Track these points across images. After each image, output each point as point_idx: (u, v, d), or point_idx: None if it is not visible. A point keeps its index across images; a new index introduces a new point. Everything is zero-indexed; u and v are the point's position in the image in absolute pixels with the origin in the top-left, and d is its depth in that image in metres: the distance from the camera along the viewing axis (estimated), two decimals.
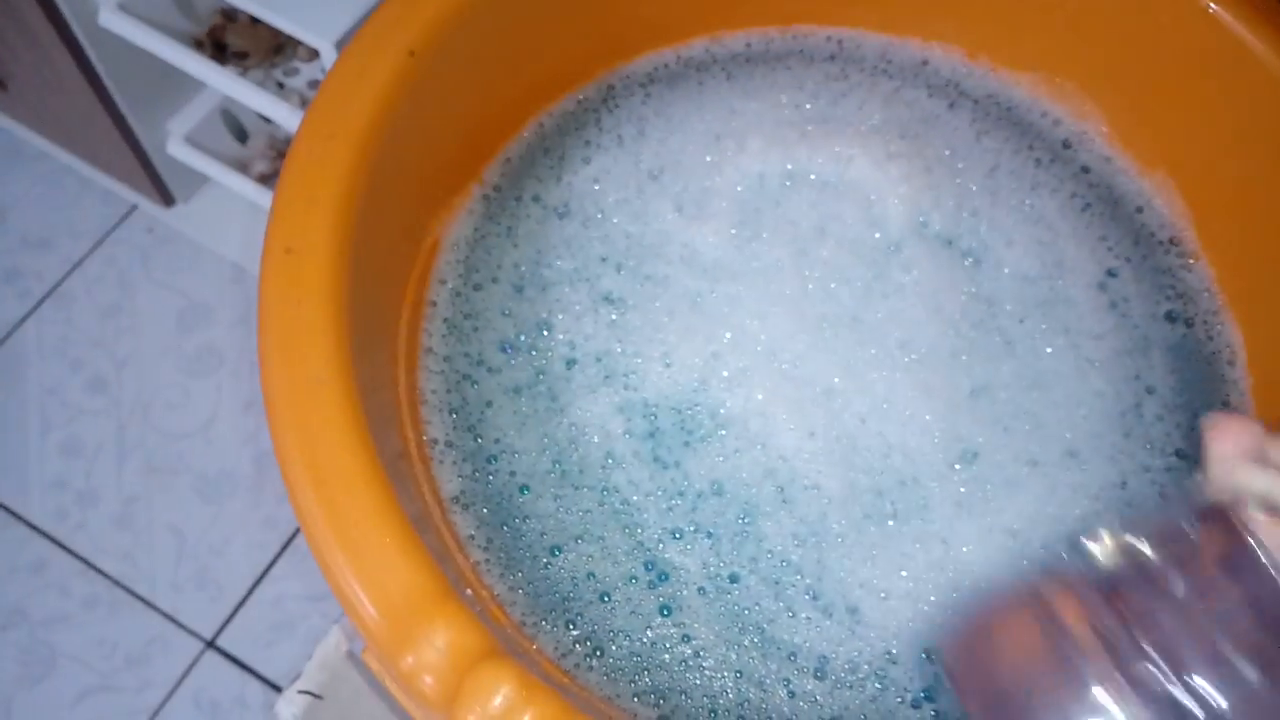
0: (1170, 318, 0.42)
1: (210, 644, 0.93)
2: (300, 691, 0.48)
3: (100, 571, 0.95)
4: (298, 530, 0.98)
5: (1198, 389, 0.41)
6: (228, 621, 0.94)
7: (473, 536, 0.37)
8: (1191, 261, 0.43)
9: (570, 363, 0.40)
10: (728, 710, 0.35)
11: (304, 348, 0.31)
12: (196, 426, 1.00)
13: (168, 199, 1.03)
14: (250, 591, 0.96)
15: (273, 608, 0.95)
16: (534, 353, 0.41)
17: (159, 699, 0.91)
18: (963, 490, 0.38)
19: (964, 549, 0.37)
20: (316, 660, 0.48)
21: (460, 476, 0.38)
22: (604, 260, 0.42)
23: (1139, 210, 0.44)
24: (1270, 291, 0.41)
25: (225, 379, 1.02)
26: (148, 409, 1.01)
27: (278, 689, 0.92)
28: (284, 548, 0.97)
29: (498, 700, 0.27)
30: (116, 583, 0.95)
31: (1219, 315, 0.42)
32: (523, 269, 0.42)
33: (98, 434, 1.00)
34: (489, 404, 0.39)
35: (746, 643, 0.36)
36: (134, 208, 1.08)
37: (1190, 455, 0.39)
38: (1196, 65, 0.41)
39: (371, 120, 0.35)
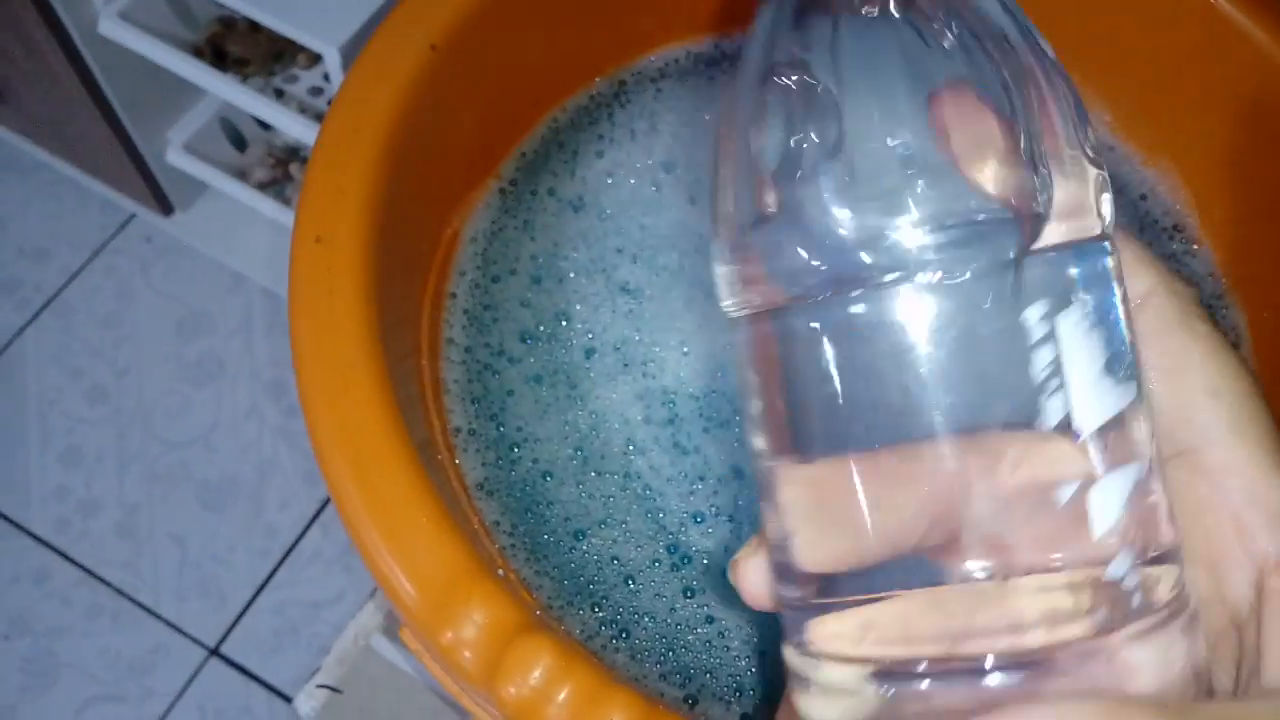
0: None
1: (214, 652, 0.93)
2: (319, 685, 0.48)
3: (103, 581, 0.95)
4: (300, 537, 0.98)
5: None
6: (231, 629, 0.94)
7: (498, 523, 0.38)
8: (1195, 248, 0.44)
9: (589, 352, 0.41)
10: (753, 689, 0.35)
11: (336, 332, 0.32)
12: (197, 434, 1.01)
13: (166, 208, 1.03)
14: (253, 599, 0.96)
15: (276, 615, 0.95)
16: (553, 342, 0.41)
17: (163, 708, 0.91)
18: None
19: None
20: (335, 654, 0.49)
21: (484, 464, 0.39)
22: (620, 251, 0.43)
23: (1143, 198, 0.45)
24: (1272, 277, 0.42)
25: (225, 387, 1.02)
26: (148, 418, 1.01)
27: (282, 696, 0.92)
28: (286, 554, 0.97)
29: (537, 673, 0.28)
30: (119, 592, 0.95)
31: (1223, 300, 0.43)
32: (540, 261, 0.43)
33: (98, 443, 1.00)
34: (510, 393, 0.40)
35: (769, 622, 0.36)
36: (132, 216, 1.09)
37: None
38: (1198, 55, 0.42)
39: (395, 113, 0.36)
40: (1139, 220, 0.44)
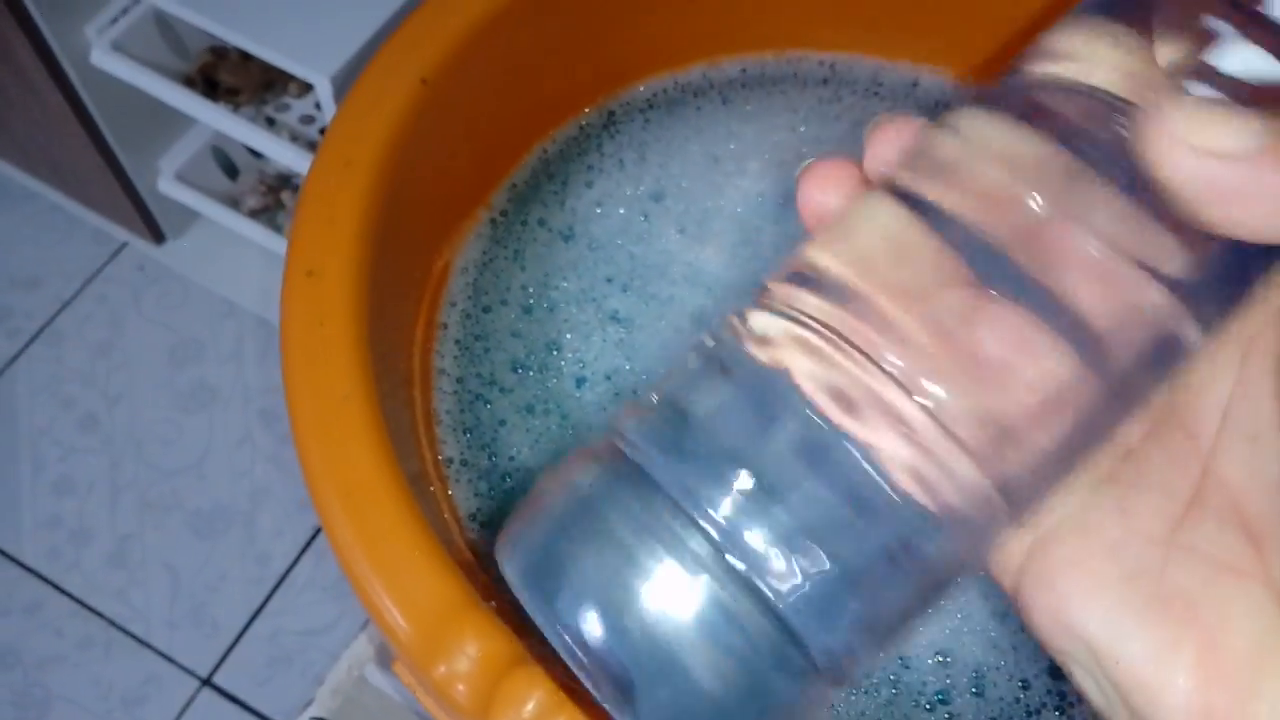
0: None
1: (206, 682, 0.93)
2: (313, 718, 0.48)
3: (94, 611, 0.94)
4: (293, 565, 0.98)
5: None
6: (224, 659, 0.94)
7: (491, 554, 0.38)
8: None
9: (580, 381, 0.41)
10: None
11: (328, 366, 0.32)
12: (190, 462, 1.00)
13: (158, 236, 1.04)
14: (246, 628, 0.95)
15: (269, 643, 0.95)
16: (544, 372, 0.41)
17: None
18: None
19: None
20: (329, 685, 0.48)
21: (476, 495, 0.39)
22: (609, 281, 0.43)
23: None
24: None
25: (218, 414, 1.02)
26: (140, 446, 1.01)
27: None
28: (279, 583, 0.97)
29: (530, 706, 0.28)
30: (111, 622, 0.94)
31: None
32: (530, 291, 0.43)
33: (90, 472, 0.99)
34: (502, 423, 0.40)
35: None
36: (124, 245, 1.09)
37: None
38: None
39: (386, 146, 0.36)
40: None
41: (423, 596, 0.29)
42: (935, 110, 0.48)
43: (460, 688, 0.28)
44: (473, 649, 0.28)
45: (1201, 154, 0.16)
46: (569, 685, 0.28)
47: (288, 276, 0.34)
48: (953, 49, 0.48)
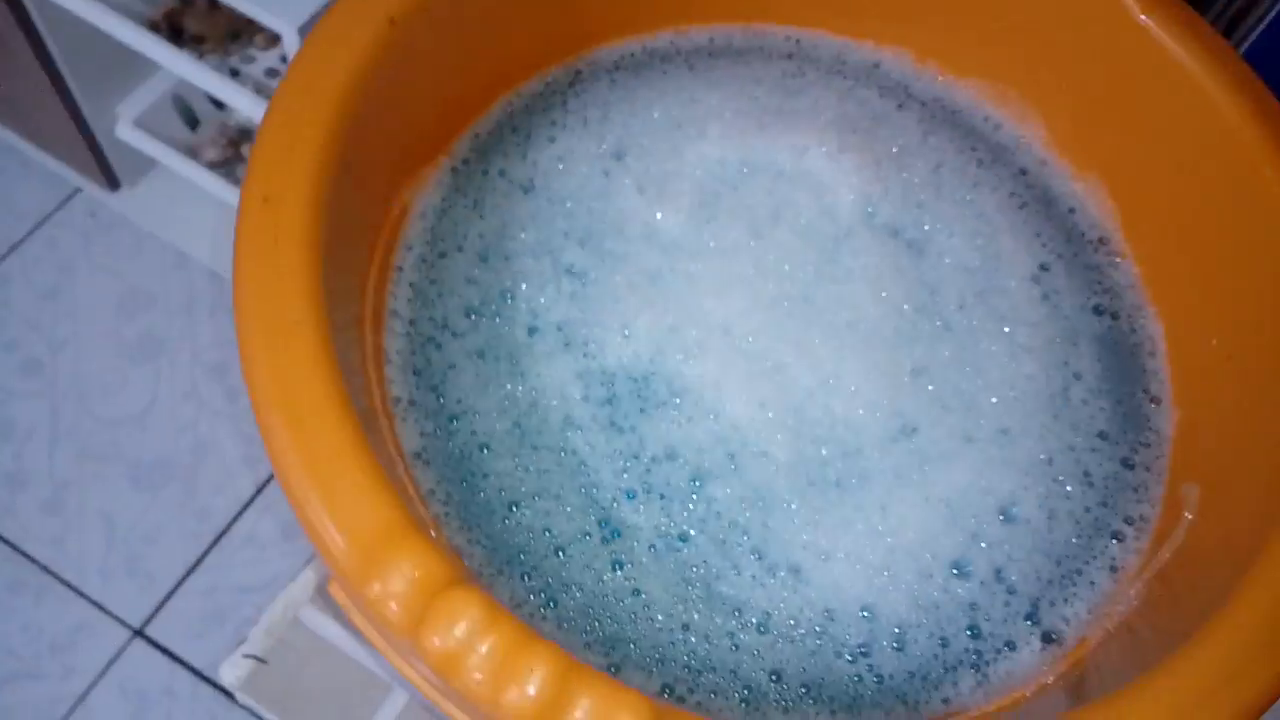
0: (1097, 310, 0.45)
1: (139, 633, 0.92)
2: (245, 655, 0.48)
3: (27, 556, 0.93)
4: (232, 521, 0.97)
5: (1121, 376, 0.43)
6: (157, 611, 0.93)
7: (433, 491, 0.38)
8: (1118, 260, 0.46)
9: (532, 330, 0.42)
10: (674, 660, 0.36)
11: (281, 290, 0.32)
12: (133, 413, 0.99)
13: (113, 183, 1.02)
14: (181, 581, 0.94)
15: (204, 598, 0.94)
16: (497, 319, 0.42)
17: (83, 686, 0.89)
18: (902, 462, 0.40)
19: (901, 516, 0.39)
20: (263, 625, 0.49)
21: (422, 434, 0.39)
22: (566, 235, 0.44)
23: (1071, 211, 0.47)
24: (1189, 290, 0.44)
25: (165, 366, 1.01)
26: (83, 394, 0.99)
27: (207, 679, 0.91)
28: (218, 538, 0.96)
29: (463, 625, 0.28)
30: (44, 568, 0.93)
31: (1142, 310, 0.45)
32: (487, 239, 0.43)
33: (30, 417, 0.98)
34: (452, 366, 0.41)
35: (693, 597, 0.37)
36: (77, 190, 1.07)
37: (1111, 436, 0.42)
38: (1129, 75, 0.44)
39: (350, 81, 0.37)
40: (1067, 232, 0.46)
41: (362, 516, 0.29)
42: (895, 91, 0.49)
43: (393, 606, 0.29)
44: (408, 569, 0.29)
45: None
46: (504, 608, 0.29)
47: (244, 201, 0.34)
48: (913, 36, 0.49)
